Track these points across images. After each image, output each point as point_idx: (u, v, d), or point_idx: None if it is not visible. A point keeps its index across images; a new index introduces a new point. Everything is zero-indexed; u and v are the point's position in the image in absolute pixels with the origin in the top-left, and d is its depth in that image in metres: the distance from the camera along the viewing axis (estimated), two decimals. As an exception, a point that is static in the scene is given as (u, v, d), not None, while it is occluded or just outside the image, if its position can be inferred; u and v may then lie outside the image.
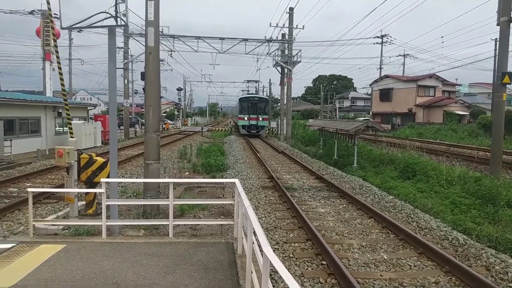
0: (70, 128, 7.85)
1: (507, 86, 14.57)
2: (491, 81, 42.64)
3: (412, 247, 6.42)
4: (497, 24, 13.59)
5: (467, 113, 43.99)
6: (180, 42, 27.68)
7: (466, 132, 32.78)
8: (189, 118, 70.89)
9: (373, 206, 8.84)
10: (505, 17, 13.23)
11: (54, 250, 5.23)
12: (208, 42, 27.75)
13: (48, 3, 7.19)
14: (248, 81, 56.13)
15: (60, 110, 20.01)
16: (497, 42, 13.86)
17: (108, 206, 6.02)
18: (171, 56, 30.32)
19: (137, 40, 28.79)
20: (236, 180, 5.93)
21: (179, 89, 64.02)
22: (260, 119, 33.99)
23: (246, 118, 33.99)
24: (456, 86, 58.03)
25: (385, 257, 6.00)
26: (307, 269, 5.55)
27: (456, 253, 6.22)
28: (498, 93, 14.10)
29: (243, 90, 60.03)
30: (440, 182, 11.65)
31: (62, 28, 6.17)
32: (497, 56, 14.07)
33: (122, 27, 23.45)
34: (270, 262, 2.86)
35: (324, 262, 5.70)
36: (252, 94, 43.21)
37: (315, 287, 4.97)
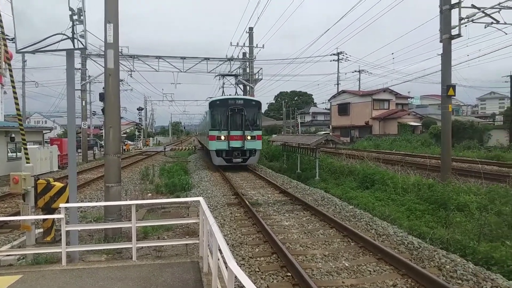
0: (26, 153, 7.57)
1: (455, 96, 15.65)
2: (440, 92, 45.62)
3: (371, 253, 6.73)
4: (440, 41, 14.74)
5: (420, 124, 46.56)
6: (140, 62, 27.46)
7: (419, 142, 34.68)
8: (151, 138, 69.55)
9: (334, 217, 9.16)
10: (447, 34, 14.39)
11: (8, 282, 4.99)
12: (169, 62, 27.74)
13: (1, 26, 7.00)
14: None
15: (13, 135, 19.05)
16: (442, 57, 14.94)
17: (67, 232, 5.85)
18: (131, 76, 29.90)
19: (94, 61, 28.24)
20: (200, 198, 5.99)
21: (139, 109, 62.93)
22: (249, 137, 19.69)
23: (223, 138, 19.48)
24: (409, 99, 61.49)
25: (347, 265, 6.25)
26: (272, 281, 5.66)
27: (411, 256, 6.59)
28: (444, 104, 15.13)
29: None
30: (396, 190, 12.26)
31: (18, 52, 5.99)
32: (441, 71, 15.10)
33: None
34: (235, 276, 2.97)
35: (289, 274, 5.85)
36: (232, 96, 23.16)
37: (281, 299, 5.09)
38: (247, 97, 24.03)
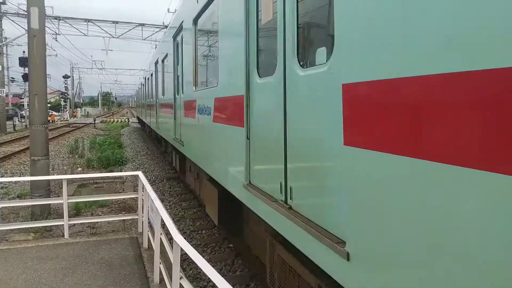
0: None
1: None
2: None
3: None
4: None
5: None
6: (67, 25, 25.10)
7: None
8: (79, 109, 64.91)
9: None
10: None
11: None
12: (100, 26, 25.76)
13: None
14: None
15: None
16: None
17: (-13, 210, 5.29)
18: (56, 40, 27.26)
19: (12, 20, 25.14)
20: (139, 173, 5.75)
21: (65, 77, 58.03)
22: None
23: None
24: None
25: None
26: (214, 254, 5.73)
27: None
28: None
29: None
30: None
31: None
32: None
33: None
34: (181, 248, 2.92)
35: (231, 245, 5.94)
36: None
37: (223, 270, 5.17)
38: None
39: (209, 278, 4.74)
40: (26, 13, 22.40)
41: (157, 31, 27.47)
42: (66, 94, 57.38)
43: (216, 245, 6.04)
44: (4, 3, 5.48)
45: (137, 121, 34.98)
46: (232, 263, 5.37)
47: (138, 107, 29.15)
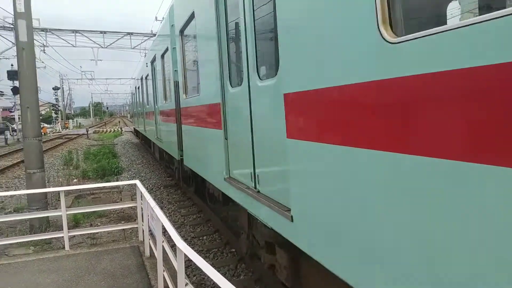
0: None
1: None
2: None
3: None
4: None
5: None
6: (54, 36, 24.94)
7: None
8: (70, 120, 64.42)
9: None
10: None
11: None
12: (88, 36, 25.63)
13: None
14: None
15: None
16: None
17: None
18: (44, 52, 27.06)
19: (-2, 34, 24.94)
20: (137, 181, 5.72)
21: (55, 88, 57.69)
22: None
23: None
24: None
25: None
26: (217, 259, 5.71)
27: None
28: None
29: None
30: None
31: None
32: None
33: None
34: (185, 254, 2.92)
35: (233, 249, 5.94)
36: None
37: (227, 274, 5.16)
38: None
39: (214, 283, 4.75)
40: (12, 26, 22.29)
41: (145, 40, 27.41)
42: (57, 106, 56.95)
43: (218, 250, 6.03)
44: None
45: (135, 134, 30.36)
46: (235, 268, 5.36)
47: (137, 116, 23.04)
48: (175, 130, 7.62)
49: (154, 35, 27.68)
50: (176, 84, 7.27)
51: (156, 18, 31.23)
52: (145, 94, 14.45)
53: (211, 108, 4.71)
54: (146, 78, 13.40)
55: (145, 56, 15.98)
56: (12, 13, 7.17)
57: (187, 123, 6.46)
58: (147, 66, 12.83)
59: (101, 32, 25.94)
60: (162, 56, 9.23)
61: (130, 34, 26.66)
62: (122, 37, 26.37)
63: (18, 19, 6.92)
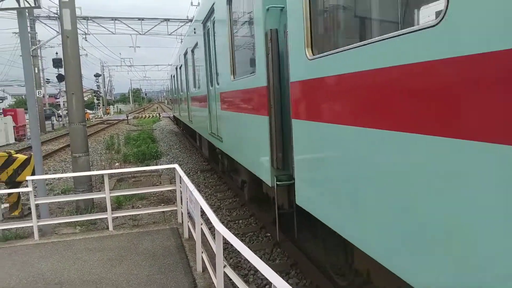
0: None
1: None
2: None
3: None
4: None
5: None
6: (95, 24, 25.77)
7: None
8: (111, 106, 66.88)
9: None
10: None
11: (-22, 259, 4.74)
12: (126, 23, 26.24)
13: None
14: None
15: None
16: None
17: (37, 206, 5.58)
18: (86, 40, 28.08)
19: (45, 24, 26.12)
20: (176, 166, 5.85)
21: (97, 75, 59.84)
22: None
23: None
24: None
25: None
26: (252, 243, 5.77)
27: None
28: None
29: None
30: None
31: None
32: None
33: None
34: (223, 237, 2.96)
35: (268, 234, 5.98)
36: None
37: (263, 258, 5.22)
38: None
39: (250, 266, 4.81)
40: (56, 15, 23.26)
41: (181, 25, 27.71)
42: (98, 92, 59.23)
43: (253, 234, 6.09)
44: (38, 7, 5.70)
45: (174, 122, 27.75)
46: (270, 252, 5.40)
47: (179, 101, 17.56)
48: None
49: (190, 20, 27.96)
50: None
51: (191, 3, 31.42)
52: (197, 70, 10.11)
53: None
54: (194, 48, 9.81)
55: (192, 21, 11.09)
56: (56, 3, 7.43)
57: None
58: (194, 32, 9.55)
59: (139, 19, 26.48)
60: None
61: (167, 20, 27.03)
62: (159, 23, 26.79)
63: (63, 8, 7.17)
